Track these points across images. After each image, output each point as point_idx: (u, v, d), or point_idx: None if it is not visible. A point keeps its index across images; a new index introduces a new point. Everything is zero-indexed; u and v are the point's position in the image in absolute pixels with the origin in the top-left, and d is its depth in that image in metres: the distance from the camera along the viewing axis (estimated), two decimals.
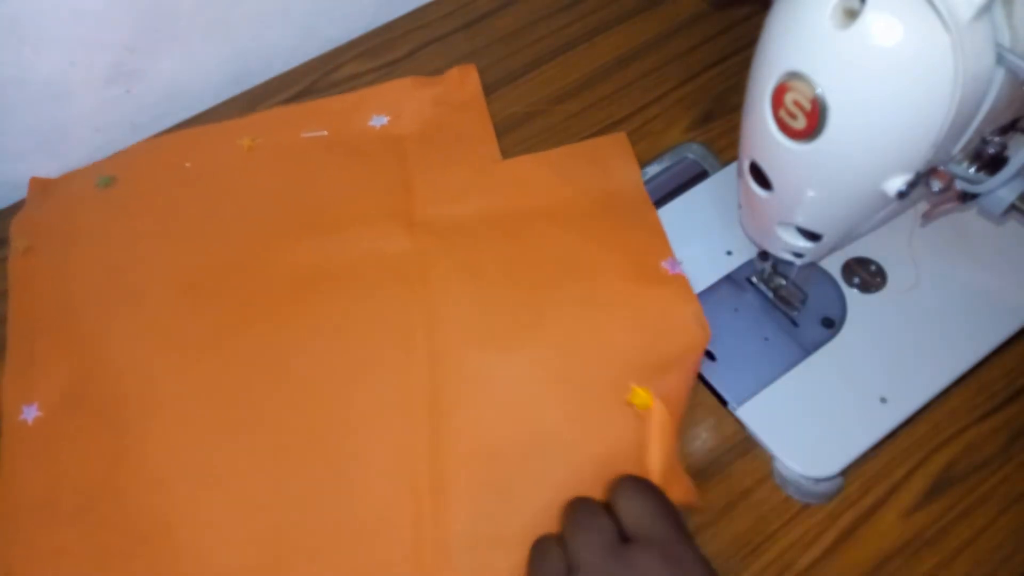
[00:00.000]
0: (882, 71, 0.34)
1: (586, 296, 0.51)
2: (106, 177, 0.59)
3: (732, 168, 0.57)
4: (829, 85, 0.35)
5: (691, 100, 0.62)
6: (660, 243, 0.53)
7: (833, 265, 0.52)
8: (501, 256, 0.53)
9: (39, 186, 0.60)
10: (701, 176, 0.58)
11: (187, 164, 0.59)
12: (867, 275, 0.52)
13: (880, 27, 0.33)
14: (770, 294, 0.52)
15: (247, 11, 0.62)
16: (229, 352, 0.51)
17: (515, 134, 0.61)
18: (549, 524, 0.42)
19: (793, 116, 0.37)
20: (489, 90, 0.63)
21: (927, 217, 0.50)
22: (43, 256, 0.56)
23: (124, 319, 0.52)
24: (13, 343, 0.53)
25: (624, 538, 0.39)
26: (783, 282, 0.51)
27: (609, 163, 0.57)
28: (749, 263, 0.53)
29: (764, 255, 0.51)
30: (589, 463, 0.45)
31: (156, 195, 0.58)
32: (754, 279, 0.53)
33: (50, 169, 0.61)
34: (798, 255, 0.47)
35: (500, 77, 0.64)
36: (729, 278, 0.53)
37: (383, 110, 0.61)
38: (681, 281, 0.51)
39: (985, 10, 0.32)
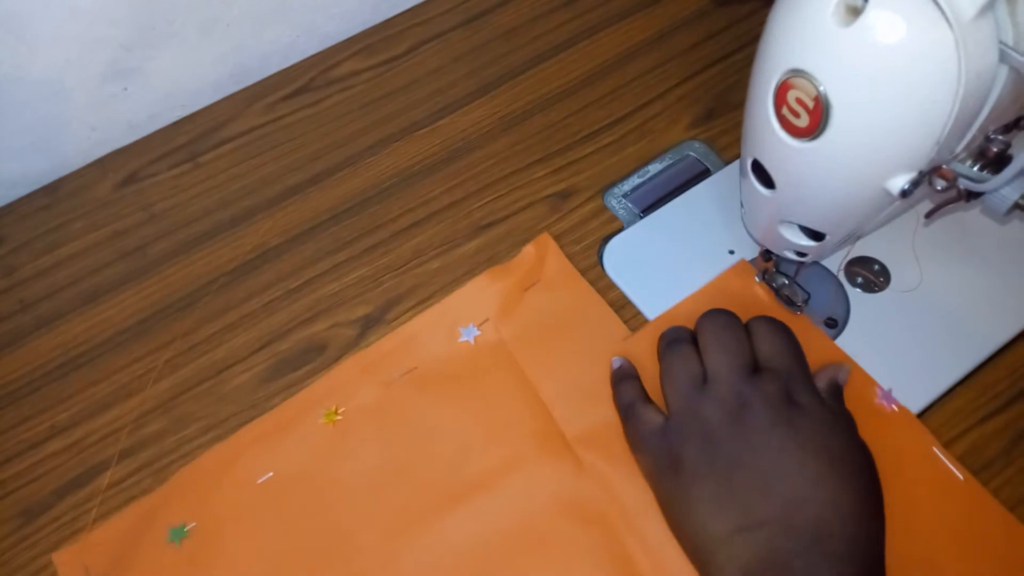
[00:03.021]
0: (885, 69, 0.33)
1: None
2: (177, 529, 0.47)
3: (734, 166, 0.57)
4: (832, 83, 0.35)
5: (693, 98, 0.62)
6: (858, 373, 0.48)
7: (836, 264, 0.52)
8: None
9: (77, 568, 0.46)
10: (703, 174, 0.58)
11: (267, 474, 0.48)
12: (870, 275, 0.52)
13: (883, 25, 0.32)
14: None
15: (244, 8, 0.62)
16: None
17: (514, 133, 0.61)
18: None
19: (796, 114, 0.37)
20: (489, 88, 0.63)
21: (930, 216, 0.49)
22: None
23: None
24: None
25: (755, 367, 0.44)
26: (786, 281, 0.51)
27: (739, 294, 0.52)
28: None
29: (767, 254, 0.50)
30: None
31: (246, 529, 0.47)
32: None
33: (44, 167, 0.61)
34: (801, 254, 0.47)
35: (500, 75, 0.64)
36: None
37: (469, 319, 0.52)
38: (905, 416, 0.47)
39: (988, 8, 0.31)
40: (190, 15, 0.60)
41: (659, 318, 0.51)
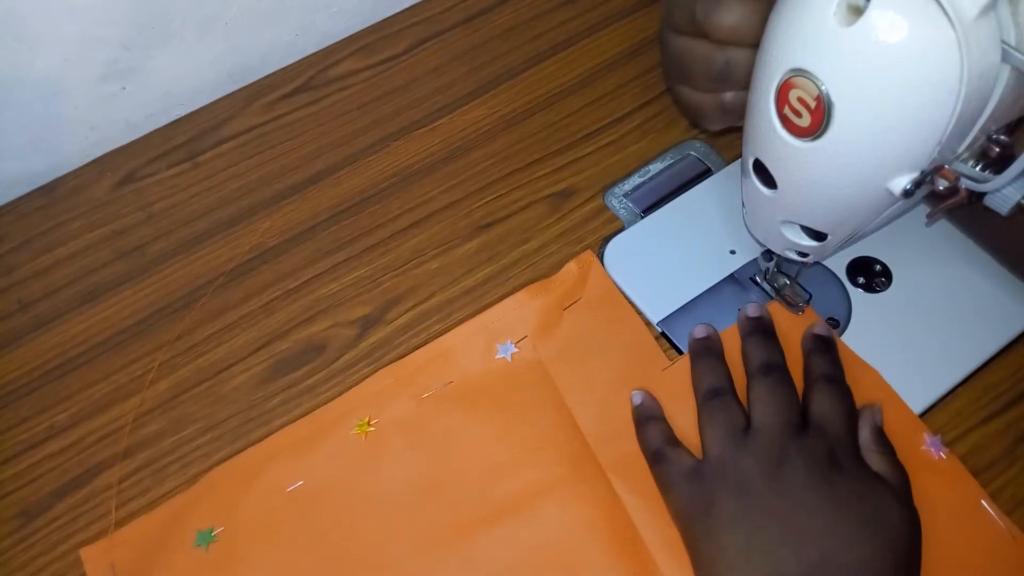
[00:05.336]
0: (887, 68, 0.33)
1: None
2: (205, 533, 0.46)
3: (735, 166, 0.57)
4: (834, 82, 0.34)
5: None
6: (906, 416, 0.47)
7: (838, 265, 0.52)
8: None
9: (103, 565, 0.46)
10: (704, 174, 0.58)
11: (297, 482, 0.47)
12: (872, 275, 0.52)
13: (885, 24, 0.32)
14: (774, 294, 0.51)
15: (243, 7, 0.62)
16: None
17: (514, 132, 0.61)
18: None
19: (798, 114, 0.37)
20: (488, 87, 0.63)
21: (931, 216, 0.49)
22: None
23: None
24: None
25: (803, 423, 0.44)
26: (787, 281, 0.50)
27: (785, 331, 0.50)
28: (753, 262, 0.53)
29: (768, 254, 0.50)
30: None
31: (273, 538, 0.46)
32: (758, 278, 0.52)
33: (43, 167, 0.61)
34: (803, 254, 0.46)
35: (500, 74, 0.64)
36: (732, 277, 0.53)
37: (506, 336, 0.51)
38: (953, 465, 0.45)
39: (990, 7, 0.31)
40: (189, 14, 0.60)
41: (683, 360, 0.50)
